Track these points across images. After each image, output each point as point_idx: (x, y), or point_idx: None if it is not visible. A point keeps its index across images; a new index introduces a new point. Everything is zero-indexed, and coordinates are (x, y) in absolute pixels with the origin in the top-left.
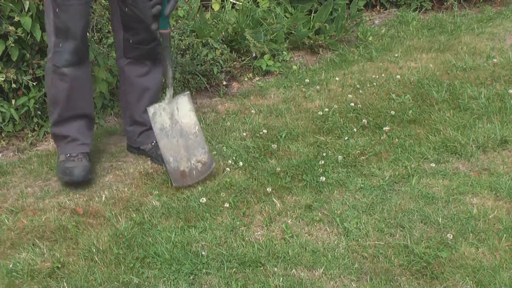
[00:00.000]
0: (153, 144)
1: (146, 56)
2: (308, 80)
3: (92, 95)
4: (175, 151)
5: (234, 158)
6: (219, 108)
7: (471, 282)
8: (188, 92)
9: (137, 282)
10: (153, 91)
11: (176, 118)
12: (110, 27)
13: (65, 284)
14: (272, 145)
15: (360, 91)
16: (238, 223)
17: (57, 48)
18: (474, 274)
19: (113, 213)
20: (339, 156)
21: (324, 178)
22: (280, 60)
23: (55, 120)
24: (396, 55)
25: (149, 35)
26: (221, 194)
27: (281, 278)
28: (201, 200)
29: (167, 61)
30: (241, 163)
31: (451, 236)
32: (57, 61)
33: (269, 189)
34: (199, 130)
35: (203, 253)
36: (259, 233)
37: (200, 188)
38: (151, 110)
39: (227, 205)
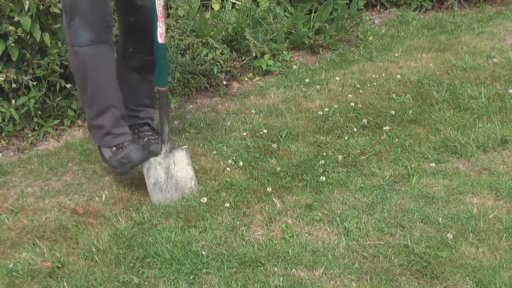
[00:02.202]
0: (145, 140)
1: (143, 67)
2: (308, 80)
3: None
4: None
5: (234, 158)
6: (219, 108)
7: (471, 282)
8: (186, 146)
9: (137, 281)
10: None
11: (172, 172)
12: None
13: (65, 283)
14: (272, 145)
15: (360, 90)
16: (238, 222)
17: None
18: (474, 273)
19: (113, 212)
20: (339, 156)
21: (324, 178)
22: (280, 60)
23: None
24: (396, 54)
25: (150, 45)
26: (222, 193)
27: (281, 278)
28: (201, 200)
29: (164, 118)
30: (241, 163)
31: (451, 236)
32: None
33: (269, 189)
34: (195, 185)
35: (203, 252)
36: (259, 232)
37: (200, 188)
38: (145, 165)
39: (227, 205)
